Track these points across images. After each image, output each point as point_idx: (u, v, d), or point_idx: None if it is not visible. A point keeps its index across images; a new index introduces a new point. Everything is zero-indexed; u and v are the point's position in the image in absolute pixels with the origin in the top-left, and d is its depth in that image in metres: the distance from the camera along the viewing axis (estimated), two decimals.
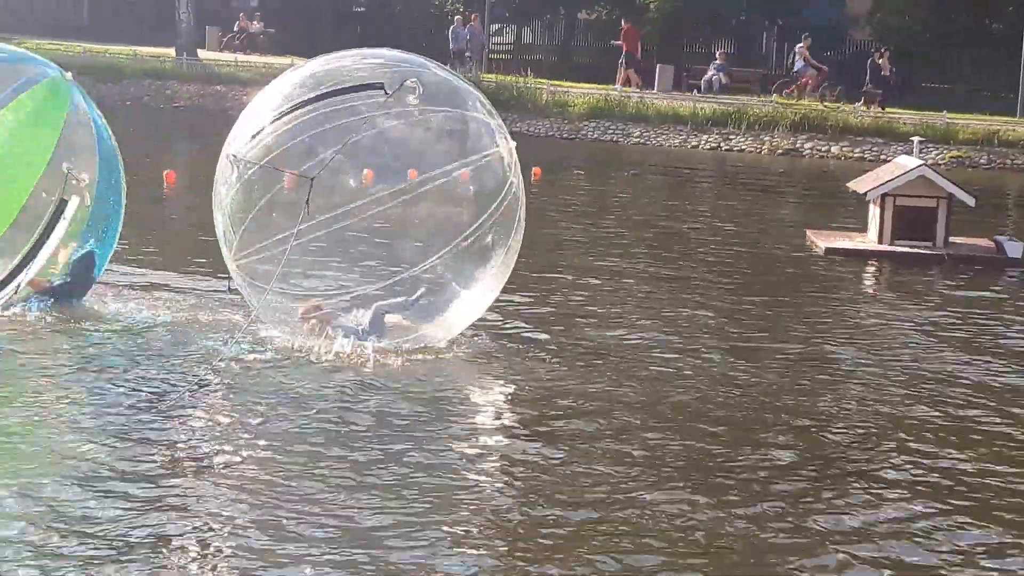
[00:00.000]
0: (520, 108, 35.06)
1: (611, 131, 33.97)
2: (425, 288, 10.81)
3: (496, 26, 48.35)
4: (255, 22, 47.37)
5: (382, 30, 45.07)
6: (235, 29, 47.11)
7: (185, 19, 43.82)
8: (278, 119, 10.47)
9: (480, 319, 11.50)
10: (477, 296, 10.93)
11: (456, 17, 41.58)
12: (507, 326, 11.70)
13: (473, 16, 41.64)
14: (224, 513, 7.10)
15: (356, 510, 7.20)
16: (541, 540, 6.99)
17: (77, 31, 49.78)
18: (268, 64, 37.56)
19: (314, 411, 9.08)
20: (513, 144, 10.89)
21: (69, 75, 11.48)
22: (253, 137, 10.48)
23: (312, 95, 10.52)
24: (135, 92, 36.77)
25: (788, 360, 11.17)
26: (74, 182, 11.22)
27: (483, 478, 7.94)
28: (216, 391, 9.46)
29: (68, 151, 11.28)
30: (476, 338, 11.13)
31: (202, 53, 43.47)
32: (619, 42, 39.55)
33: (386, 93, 10.39)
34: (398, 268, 10.96)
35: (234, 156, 10.47)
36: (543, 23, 50.31)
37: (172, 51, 42.62)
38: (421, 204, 10.71)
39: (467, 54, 39.98)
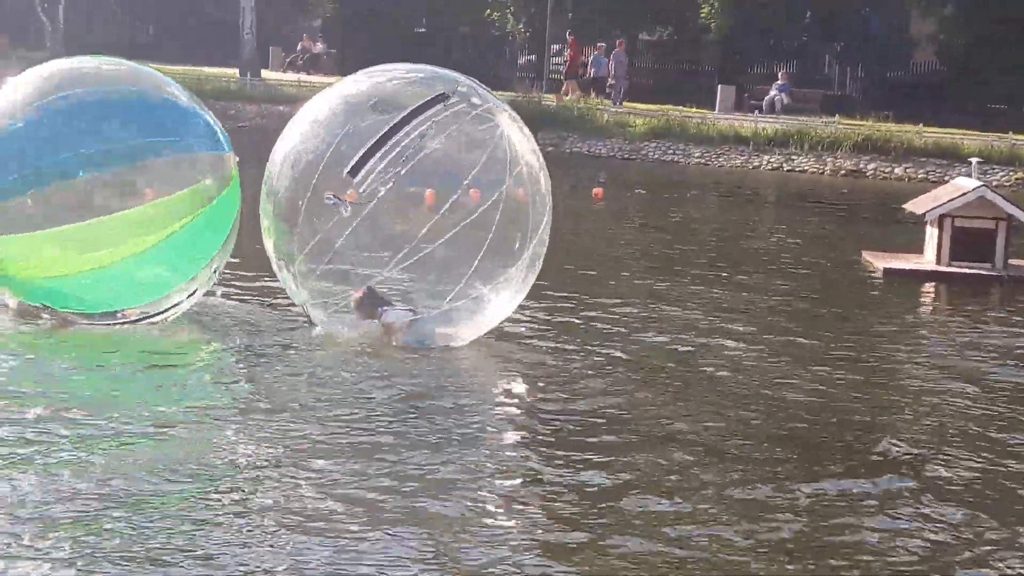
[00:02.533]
0: (581, 128, 35.17)
1: (672, 151, 33.97)
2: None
3: (556, 46, 48.46)
4: (317, 42, 47.88)
5: (443, 51, 45.31)
6: (298, 49, 47.64)
7: (249, 40, 44.34)
8: (366, 154, 10.55)
9: (535, 330, 11.63)
10: (504, 298, 11.08)
11: (599, 44, 40.55)
12: (559, 337, 11.73)
13: (618, 42, 40.63)
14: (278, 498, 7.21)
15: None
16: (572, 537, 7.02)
17: (143, 51, 50.39)
18: (331, 84, 37.84)
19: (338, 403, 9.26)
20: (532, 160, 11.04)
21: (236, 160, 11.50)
22: (350, 174, 10.52)
23: (387, 127, 10.61)
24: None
25: (845, 378, 11.12)
26: (213, 278, 11.48)
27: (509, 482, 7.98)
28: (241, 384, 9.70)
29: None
30: (525, 348, 11.28)
31: (265, 73, 43.99)
32: (568, 53, 40.89)
33: (446, 97, 10.62)
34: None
35: (333, 196, 10.54)
36: (605, 44, 50.39)
37: (236, 71, 43.13)
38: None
39: (610, 82, 38.98)
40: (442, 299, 10.95)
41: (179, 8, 54.98)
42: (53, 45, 49.12)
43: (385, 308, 10.92)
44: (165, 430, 8.61)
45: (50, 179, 10.67)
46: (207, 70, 42.72)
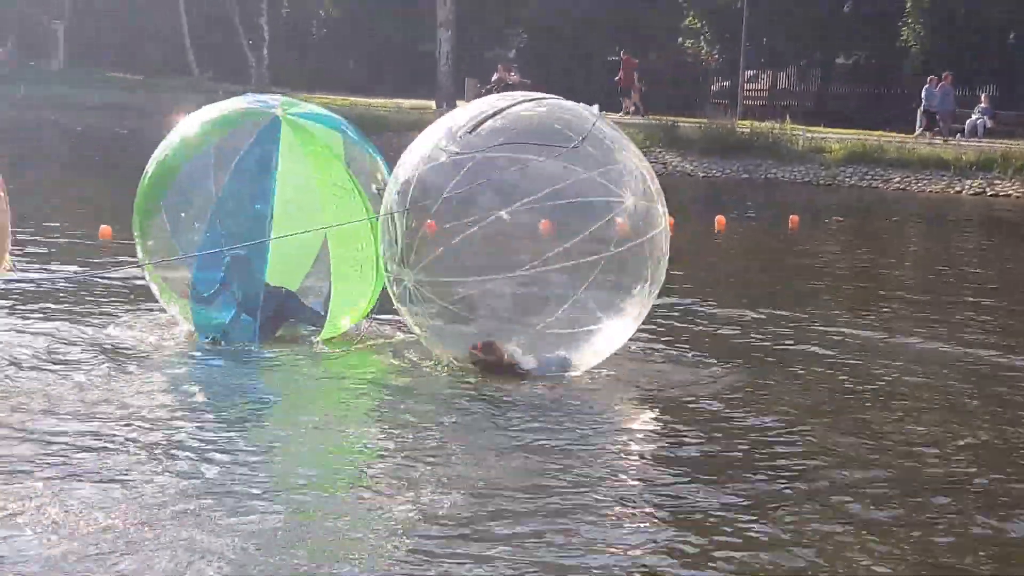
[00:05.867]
0: (776, 155, 34.81)
1: (869, 176, 33.36)
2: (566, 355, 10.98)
3: (751, 72, 48.11)
4: (512, 72, 48.37)
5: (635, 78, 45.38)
6: (493, 80, 48.18)
7: (445, 71, 45.13)
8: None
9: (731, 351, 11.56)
10: (621, 326, 11.01)
11: (930, 76, 38.14)
12: (759, 358, 11.62)
13: (945, 74, 37.90)
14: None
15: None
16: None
17: (343, 85, 51.77)
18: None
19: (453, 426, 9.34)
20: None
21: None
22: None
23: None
24: (397, 143, 37.79)
25: None
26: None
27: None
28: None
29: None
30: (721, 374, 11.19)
31: (461, 104, 44.63)
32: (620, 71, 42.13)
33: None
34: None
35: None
36: (798, 69, 49.90)
37: (432, 103, 43.92)
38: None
39: (938, 115, 37.46)
40: (563, 326, 10.89)
41: (378, 41, 56.28)
42: (258, 80, 50.73)
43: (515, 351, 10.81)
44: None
45: None
46: (405, 102, 43.59)
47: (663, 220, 11.08)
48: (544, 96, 11.38)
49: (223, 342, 11.43)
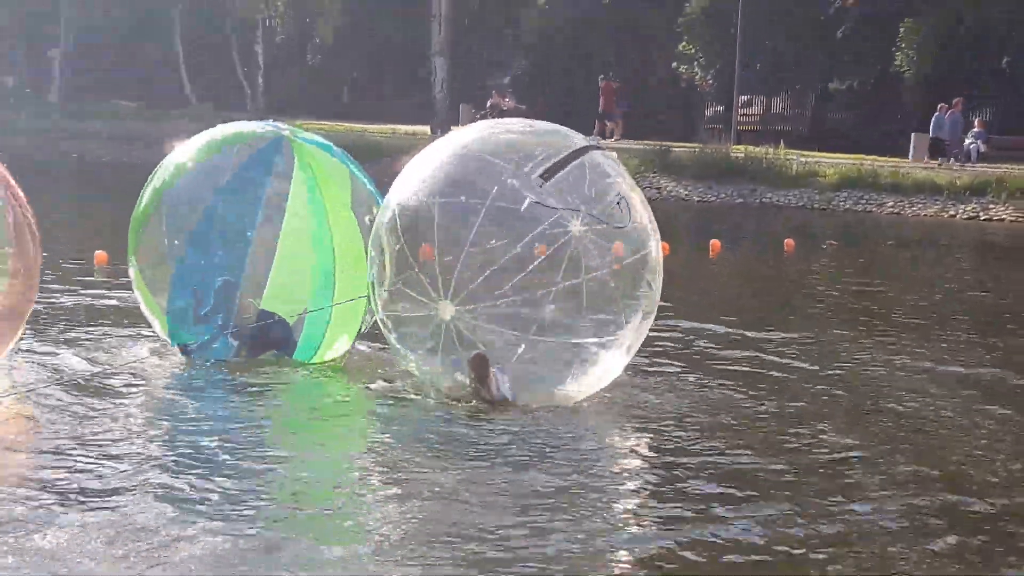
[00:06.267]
0: (769, 179, 34.90)
1: (863, 201, 33.44)
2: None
3: (745, 97, 48.22)
4: (506, 99, 48.51)
5: (637, 104, 45.54)
6: (488, 106, 48.32)
7: (441, 98, 45.27)
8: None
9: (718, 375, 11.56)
10: (616, 356, 10.86)
11: (940, 104, 37.24)
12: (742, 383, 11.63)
13: (955, 101, 37.28)
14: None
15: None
16: None
17: (337, 111, 51.92)
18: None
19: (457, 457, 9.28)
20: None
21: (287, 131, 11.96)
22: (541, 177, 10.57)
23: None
24: (391, 169, 37.68)
25: None
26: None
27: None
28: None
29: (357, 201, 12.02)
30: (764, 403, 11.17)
31: (455, 130, 44.77)
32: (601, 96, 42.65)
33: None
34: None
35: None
36: (793, 93, 50.01)
37: (427, 129, 44.02)
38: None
39: (946, 143, 36.86)
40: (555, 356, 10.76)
41: (373, 69, 56.47)
42: (254, 108, 50.85)
43: (498, 371, 10.65)
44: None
45: None
46: (399, 127, 43.68)
47: (656, 246, 11.06)
48: (605, 148, 11.21)
49: (194, 356, 11.50)
